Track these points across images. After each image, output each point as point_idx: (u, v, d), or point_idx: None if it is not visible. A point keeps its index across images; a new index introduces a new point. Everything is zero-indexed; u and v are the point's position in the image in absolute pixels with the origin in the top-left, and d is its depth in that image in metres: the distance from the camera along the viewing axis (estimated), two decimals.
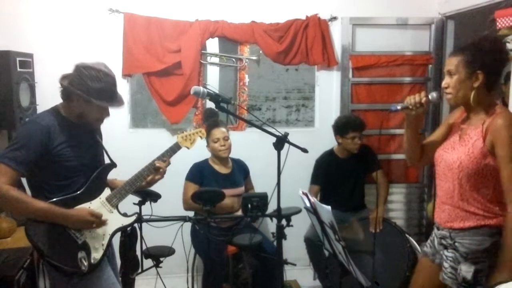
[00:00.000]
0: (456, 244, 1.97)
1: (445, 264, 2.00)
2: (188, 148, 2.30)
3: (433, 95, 1.99)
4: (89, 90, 1.91)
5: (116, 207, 2.12)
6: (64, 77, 1.99)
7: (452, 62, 1.93)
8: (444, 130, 2.15)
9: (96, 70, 1.94)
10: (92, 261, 2.01)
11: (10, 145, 1.89)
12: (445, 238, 2.03)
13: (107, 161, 2.19)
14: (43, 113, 2.02)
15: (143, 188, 2.23)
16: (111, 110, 2.07)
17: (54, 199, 1.93)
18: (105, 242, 2.07)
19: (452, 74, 1.93)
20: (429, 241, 2.19)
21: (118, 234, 2.22)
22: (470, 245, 1.92)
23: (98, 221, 2.00)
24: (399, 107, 2.02)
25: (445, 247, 2.04)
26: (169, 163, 2.22)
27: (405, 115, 2.06)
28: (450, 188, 1.98)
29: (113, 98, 2.01)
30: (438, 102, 2.04)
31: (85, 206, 2.01)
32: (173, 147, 2.24)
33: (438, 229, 2.09)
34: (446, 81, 1.95)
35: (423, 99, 1.97)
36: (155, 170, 2.17)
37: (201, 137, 2.36)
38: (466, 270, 1.91)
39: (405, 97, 2.04)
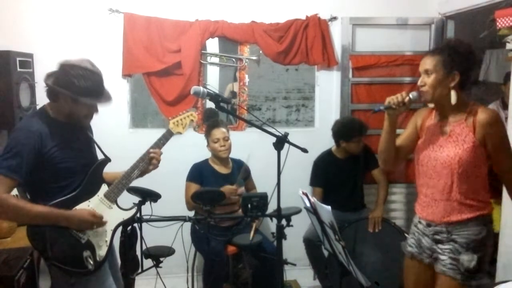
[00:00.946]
0: (454, 236, 2.02)
1: (442, 257, 2.04)
2: (180, 133, 2.28)
3: (414, 94, 2.04)
4: (76, 89, 1.90)
5: (115, 202, 2.12)
6: (49, 76, 1.96)
7: (429, 62, 1.99)
8: (412, 131, 2.21)
9: (82, 68, 1.92)
10: (97, 258, 2.02)
11: (2, 154, 1.87)
12: (439, 233, 2.07)
13: (100, 156, 2.17)
14: (32, 118, 1.99)
15: (137, 177, 2.20)
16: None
17: (53, 202, 1.92)
18: (108, 238, 2.08)
19: (429, 73, 1.99)
20: (412, 240, 2.20)
21: (118, 234, 2.22)
22: (469, 235, 2.00)
23: (98, 222, 2.00)
24: (382, 108, 2.07)
25: (439, 242, 2.07)
26: (161, 153, 2.22)
27: (386, 115, 2.11)
28: (448, 184, 2.02)
29: (101, 95, 2.00)
30: (418, 101, 2.11)
31: (84, 205, 2.01)
32: (165, 134, 2.23)
33: (429, 226, 2.11)
34: (423, 79, 2.02)
35: (406, 99, 2.03)
36: (149, 160, 2.17)
37: (192, 120, 2.33)
38: (469, 259, 1.98)
39: None
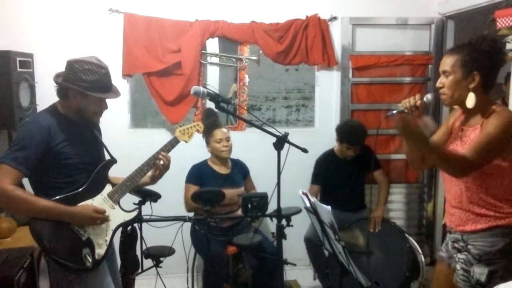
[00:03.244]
0: (469, 246, 1.94)
1: (457, 266, 1.98)
2: (186, 142, 2.31)
3: (428, 97, 1.93)
4: (84, 83, 1.93)
5: (118, 203, 2.13)
6: (58, 75, 2.00)
7: (447, 62, 1.89)
8: (445, 131, 2.12)
9: (88, 63, 1.95)
10: (96, 257, 2.03)
11: (11, 146, 1.90)
12: (457, 241, 2.01)
13: (107, 157, 2.19)
14: (42, 113, 2.03)
15: (148, 185, 2.24)
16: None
17: (57, 197, 1.94)
18: (108, 238, 2.09)
19: (447, 74, 1.89)
20: (444, 245, 2.15)
21: (119, 234, 2.23)
22: (483, 247, 1.90)
23: (102, 217, 2.02)
24: (394, 112, 1.95)
25: (458, 250, 2.01)
26: (169, 157, 2.22)
27: None
28: (458, 192, 1.95)
29: (109, 89, 2.02)
30: (433, 104, 1.99)
31: (88, 202, 2.02)
32: (171, 141, 2.25)
33: (450, 232, 2.07)
34: (441, 80, 1.92)
35: (418, 102, 1.90)
36: (154, 165, 2.18)
37: (198, 130, 2.36)
38: (480, 272, 1.88)
39: (405, 97, 1.97)
